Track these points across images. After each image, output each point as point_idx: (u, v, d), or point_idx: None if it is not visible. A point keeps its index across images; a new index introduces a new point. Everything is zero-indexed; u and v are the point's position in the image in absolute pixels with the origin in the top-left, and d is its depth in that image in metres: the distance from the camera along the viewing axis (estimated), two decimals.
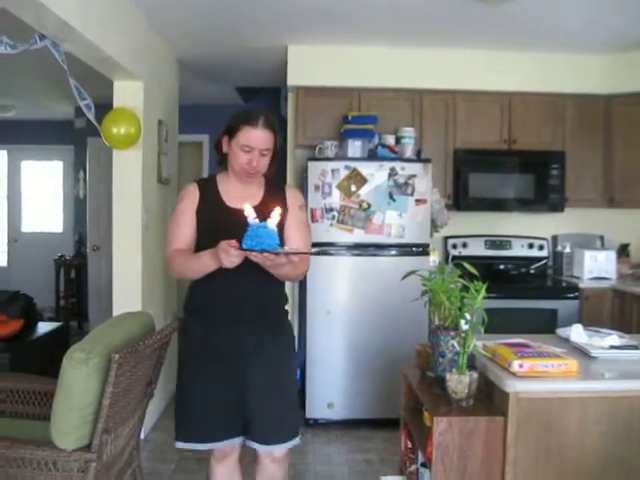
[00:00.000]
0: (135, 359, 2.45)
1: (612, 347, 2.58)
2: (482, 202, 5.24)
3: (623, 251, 5.47)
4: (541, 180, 5.23)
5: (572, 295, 4.94)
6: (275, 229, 2.19)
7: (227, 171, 2.60)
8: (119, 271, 4.38)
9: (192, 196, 2.56)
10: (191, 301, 2.62)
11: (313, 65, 5.21)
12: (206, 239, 2.44)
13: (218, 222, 2.49)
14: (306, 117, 5.21)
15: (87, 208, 7.89)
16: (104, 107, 4.09)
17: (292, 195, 2.67)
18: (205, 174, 8.32)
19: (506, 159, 5.23)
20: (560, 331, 2.94)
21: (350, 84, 5.16)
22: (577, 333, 2.78)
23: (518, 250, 5.51)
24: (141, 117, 4.29)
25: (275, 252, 2.18)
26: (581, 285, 5.00)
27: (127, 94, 4.32)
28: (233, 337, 2.49)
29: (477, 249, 5.50)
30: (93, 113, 3.71)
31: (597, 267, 5.21)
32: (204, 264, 2.37)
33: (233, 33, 4.86)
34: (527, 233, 5.60)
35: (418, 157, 4.79)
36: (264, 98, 7.15)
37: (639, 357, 2.54)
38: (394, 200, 4.58)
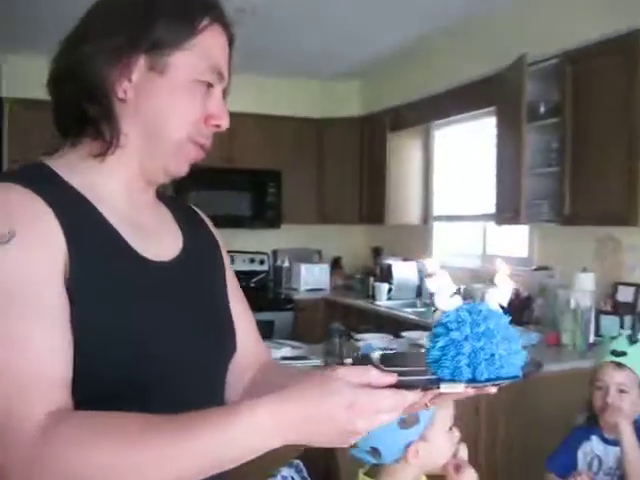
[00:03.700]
0: None
1: (284, 358, 2.81)
2: None
3: (336, 264, 5.91)
4: (259, 198, 5.50)
5: (288, 307, 5.24)
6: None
7: (93, 155, 1.03)
8: None
9: (48, 235, 0.89)
10: None
11: (30, 77, 4.99)
12: (107, 360, 0.89)
13: (138, 307, 0.96)
14: (23, 131, 4.92)
15: None
16: None
17: (211, 226, 1.27)
18: None
19: (226, 177, 5.42)
20: None
21: None
22: None
23: (240, 265, 5.69)
24: None
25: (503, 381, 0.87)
26: (296, 297, 5.33)
27: None
28: None
29: None
30: None
31: (313, 279, 5.60)
32: (235, 452, 0.80)
33: None
34: (249, 248, 5.81)
35: None
36: None
37: (308, 367, 2.78)
38: None
